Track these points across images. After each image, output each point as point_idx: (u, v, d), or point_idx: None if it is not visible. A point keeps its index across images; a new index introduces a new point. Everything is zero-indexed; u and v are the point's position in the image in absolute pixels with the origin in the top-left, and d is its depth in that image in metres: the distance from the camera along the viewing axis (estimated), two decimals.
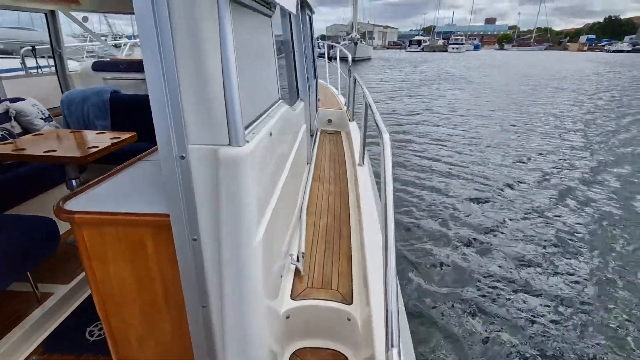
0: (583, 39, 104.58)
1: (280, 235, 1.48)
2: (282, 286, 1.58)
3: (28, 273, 1.92)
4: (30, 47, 3.97)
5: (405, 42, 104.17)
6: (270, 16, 1.57)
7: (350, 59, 4.50)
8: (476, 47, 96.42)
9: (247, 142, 0.96)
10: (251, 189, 0.97)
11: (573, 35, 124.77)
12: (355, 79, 3.74)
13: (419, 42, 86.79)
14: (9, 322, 1.83)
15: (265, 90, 1.45)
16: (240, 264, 1.00)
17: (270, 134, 1.26)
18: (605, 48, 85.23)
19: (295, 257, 1.74)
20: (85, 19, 4.08)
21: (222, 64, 0.85)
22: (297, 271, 1.70)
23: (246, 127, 1.05)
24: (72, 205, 1.23)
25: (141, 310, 1.31)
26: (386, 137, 1.42)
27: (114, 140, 2.44)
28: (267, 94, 1.48)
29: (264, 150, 1.13)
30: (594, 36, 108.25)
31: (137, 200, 1.28)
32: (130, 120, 3.51)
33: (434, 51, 75.94)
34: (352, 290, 1.61)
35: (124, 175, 1.54)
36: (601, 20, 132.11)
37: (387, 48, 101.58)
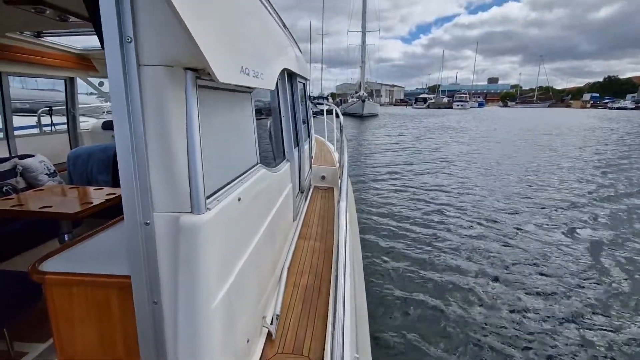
0: (587, 96, 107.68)
1: (250, 297, 1.48)
2: (251, 351, 1.54)
3: (5, 330, 1.92)
4: (47, 108, 4.30)
5: (411, 99, 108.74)
6: (250, 92, 1.72)
7: (341, 119, 4.74)
8: (480, 105, 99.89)
9: (209, 209, 1.02)
10: (210, 254, 1.01)
11: (575, 93, 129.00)
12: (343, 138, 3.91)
13: (424, 100, 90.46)
14: None
15: (238, 158, 1.54)
16: (196, 328, 1.01)
17: (239, 199, 1.32)
18: (609, 105, 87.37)
19: (269, 320, 1.71)
20: (101, 83, 4.46)
21: (187, 139, 0.94)
22: (269, 334, 1.66)
23: (211, 195, 1.11)
24: (48, 265, 1.28)
25: None
26: (342, 204, 1.48)
27: (109, 197, 2.55)
28: (241, 161, 1.57)
29: (228, 216, 1.19)
30: (597, 94, 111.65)
31: (107, 262, 1.33)
32: None
33: (439, 108, 78.80)
34: (323, 355, 1.55)
35: (103, 236, 1.60)
36: (601, 79, 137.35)
37: (394, 105, 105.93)
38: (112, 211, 2.60)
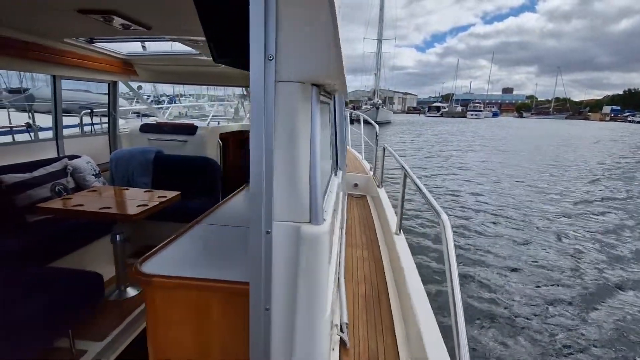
0: (607, 109, 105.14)
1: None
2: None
3: (69, 329, 1.97)
4: (89, 110, 4.44)
5: (424, 107, 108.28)
6: (329, 103, 1.77)
7: (377, 129, 4.75)
8: (495, 114, 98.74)
9: (324, 220, 1.05)
10: (326, 262, 1.05)
11: (593, 105, 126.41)
12: (384, 148, 3.92)
13: (437, 108, 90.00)
14: None
15: (326, 167, 1.58)
16: (313, 335, 1.04)
17: (334, 210, 1.36)
18: (629, 119, 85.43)
19: (339, 328, 1.72)
20: (139, 87, 4.58)
21: (311, 151, 0.98)
22: (342, 343, 1.66)
23: None
24: (149, 267, 1.31)
25: None
26: (444, 217, 1.48)
27: (161, 199, 2.62)
28: (327, 170, 1.61)
29: (331, 225, 1.22)
30: (618, 107, 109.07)
31: (203, 265, 1.35)
32: (170, 179, 3.76)
33: (453, 117, 78.22)
34: None
35: (186, 238, 1.62)
36: (620, 92, 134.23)
37: (407, 113, 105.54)
38: (156, 213, 2.67)
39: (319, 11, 0.80)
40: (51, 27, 2.59)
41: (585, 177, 12.75)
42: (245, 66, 0.88)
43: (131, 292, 2.74)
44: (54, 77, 3.41)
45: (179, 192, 2.82)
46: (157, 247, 1.48)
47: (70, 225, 2.80)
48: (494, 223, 7.29)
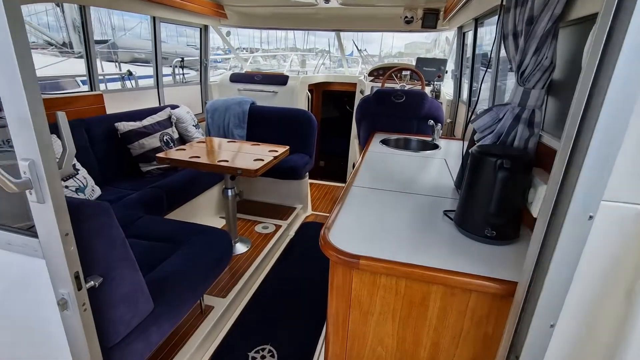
0: None
1: None
2: None
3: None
4: (180, 59, 4.32)
5: None
6: None
7: None
8: None
9: None
10: None
11: None
12: None
13: None
14: (182, 333, 1.83)
15: None
16: None
17: None
18: None
19: None
20: (228, 33, 4.34)
21: None
22: None
23: None
24: (334, 240, 1.08)
25: None
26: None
27: (273, 154, 2.42)
28: None
29: None
30: None
31: (404, 246, 1.08)
32: (264, 131, 3.58)
33: None
34: None
35: (360, 207, 1.34)
36: None
37: None
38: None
39: None
40: None
41: None
42: None
43: (240, 247, 2.67)
44: (153, 20, 3.26)
45: (287, 148, 2.60)
46: (331, 215, 1.23)
47: (181, 176, 2.74)
48: None
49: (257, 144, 2.70)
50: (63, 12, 8.44)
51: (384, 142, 2.45)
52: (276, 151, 2.49)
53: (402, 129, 2.83)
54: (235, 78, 4.29)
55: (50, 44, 8.47)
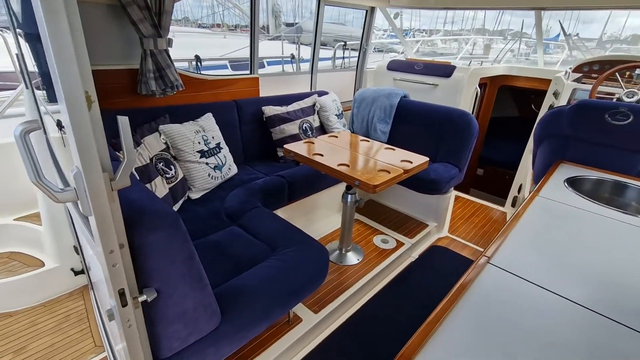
0: None
1: None
2: None
3: None
4: (343, 43, 4.22)
5: None
6: None
7: None
8: None
9: None
10: None
11: None
12: None
13: None
14: (266, 337, 1.75)
15: None
16: None
17: None
18: None
19: None
20: (396, 15, 3.95)
21: None
22: None
23: None
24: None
25: None
26: None
27: (407, 165, 2.01)
28: None
29: None
30: None
31: None
32: (410, 130, 3.13)
33: None
34: None
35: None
36: None
37: None
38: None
39: None
40: None
41: None
42: None
43: (351, 258, 2.43)
44: (318, 2, 3.19)
45: (427, 160, 2.13)
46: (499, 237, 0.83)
47: (308, 169, 2.65)
48: None
49: (391, 148, 2.32)
50: None
51: (575, 184, 1.58)
52: (410, 162, 2.07)
53: (619, 169, 1.81)
54: (393, 66, 3.91)
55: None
